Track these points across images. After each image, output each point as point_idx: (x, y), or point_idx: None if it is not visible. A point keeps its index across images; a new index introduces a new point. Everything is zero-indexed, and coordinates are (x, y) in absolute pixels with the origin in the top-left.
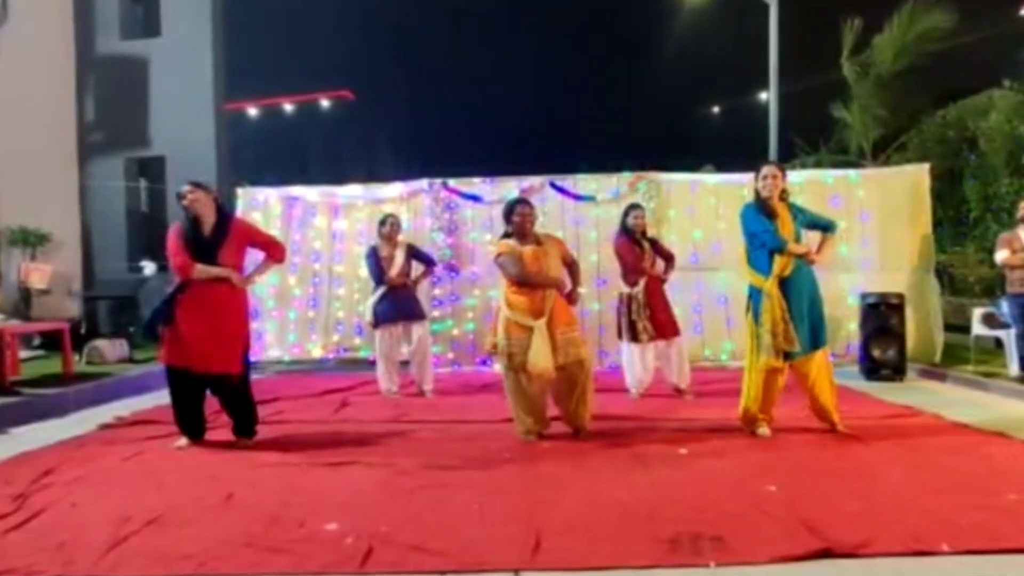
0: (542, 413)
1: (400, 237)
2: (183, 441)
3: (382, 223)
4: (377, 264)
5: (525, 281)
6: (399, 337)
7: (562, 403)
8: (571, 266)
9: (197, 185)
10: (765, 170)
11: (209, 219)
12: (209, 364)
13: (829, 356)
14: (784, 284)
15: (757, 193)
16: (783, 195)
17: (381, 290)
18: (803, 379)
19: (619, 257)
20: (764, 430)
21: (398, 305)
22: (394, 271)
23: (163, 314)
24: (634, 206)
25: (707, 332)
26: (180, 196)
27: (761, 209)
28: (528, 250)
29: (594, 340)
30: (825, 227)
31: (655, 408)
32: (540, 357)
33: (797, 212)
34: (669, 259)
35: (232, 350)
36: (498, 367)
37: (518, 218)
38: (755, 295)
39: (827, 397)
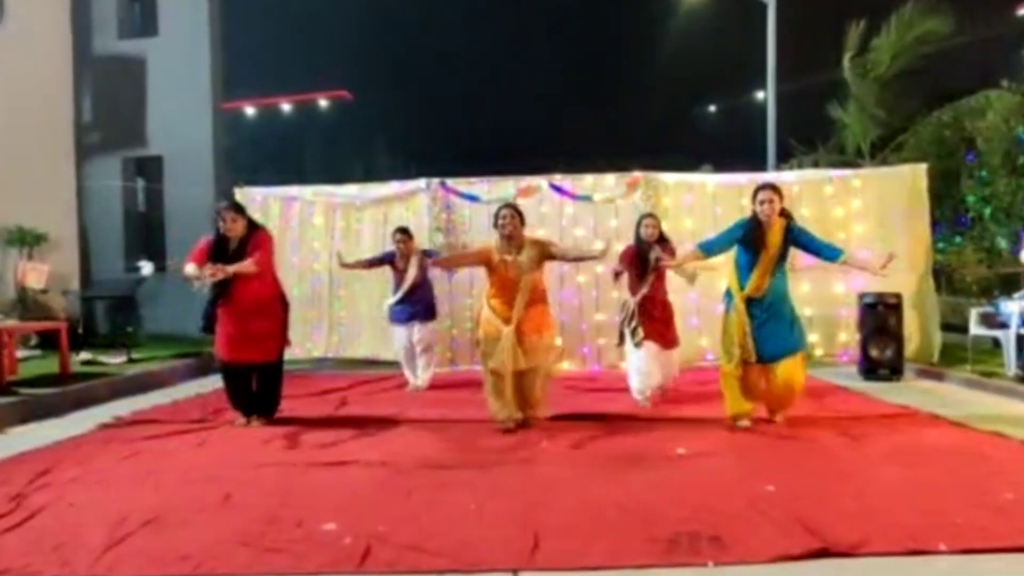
0: (514, 403)
1: (414, 243)
2: (241, 419)
3: (394, 239)
4: (379, 258)
5: (496, 285)
6: (409, 334)
7: (521, 397)
8: (562, 256)
9: (238, 211)
10: (762, 195)
11: (237, 237)
12: (252, 355)
13: (801, 362)
14: (753, 303)
15: (755, 214)
16: (784, 213)
17: (399, 293)
18: (769, 378)
19: (620, 263)
20: (744, 422)
21: (406, 308)
22: (407, 284)
23: (209, 315)
24: (648, 215)
25: (705, 332)
26: (219, 214)
27: (750, 232)
28: (499, 256)
29: (591, 341)
30: (828, 258)
31: (652, 408)
32: (504, 360)
33: (797, 235)
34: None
35: (267, 343)
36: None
37: (499, 221)
38: (729, 299)
39: (785, 399)
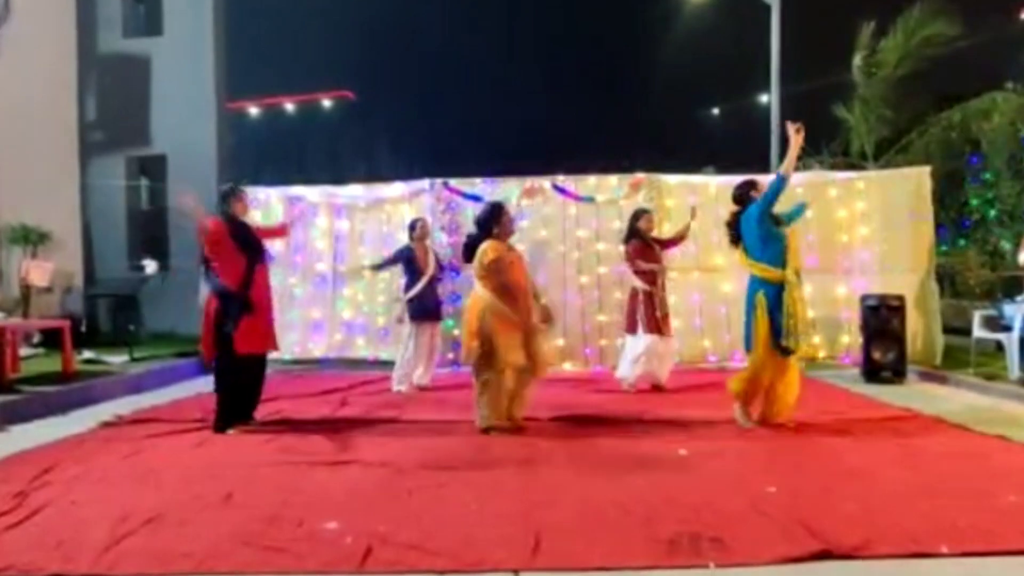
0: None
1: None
2: (233, 430)
3: (412, 227)
4: (394, 258)
5: (508, 289)
6: (428, 332)
7: (514, 398)
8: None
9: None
10: (760, 186)
11: (243, 217)
12: (270, 344)
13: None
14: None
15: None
16: None
17: (418, 287)
18: (782, 373)
19: (632, 260)
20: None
21: (426, 304)
22: (429, 271)
23: (241, 309)
24: (643, 210)
25: (708, 332)
26: (236, 194)
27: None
28: (515, 257)
29: (594, 341)
30: (798, 213)
31: (653, 408)
32: (536, 355)
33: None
34: (671, 244)
35: (273, 333)
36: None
37: (508, 220)
38: (769, 289)
39: (791, 398)
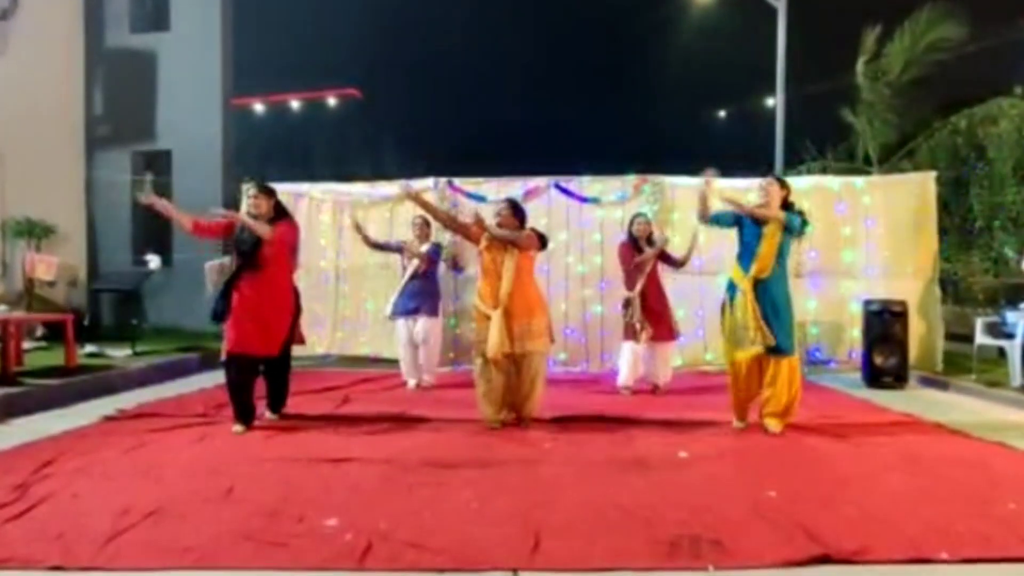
0: (503, 400)
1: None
2: (239, 427)
3: (413, 224)
4: (389, 244)
5: (485, 273)
6: (411, 329)
7: (512, 391)
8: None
9: (261, 189)
10: (763, 182)
11: (264, 219)
12: (261, 347)
13: (798, 366)
14: (758, 287)
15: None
16: (786, 206)
17: (402, 283)
18: (766, 374)
19: (619, 261)
20: (737, 424)
21: (409, 301)
22: (410, 270)
23: (222, 302)
24: (638, 215)
25: (709, 335)
26: (245, 192)
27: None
28: (487, 239)
29: (596, 342)
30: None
31: (654, 410)
32: (492, 343)
33: (789, 219)
34: (673, 262)
35: (277, 336)
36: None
37: (498, 211)
38: (732, 290)
39: (778, 403)
